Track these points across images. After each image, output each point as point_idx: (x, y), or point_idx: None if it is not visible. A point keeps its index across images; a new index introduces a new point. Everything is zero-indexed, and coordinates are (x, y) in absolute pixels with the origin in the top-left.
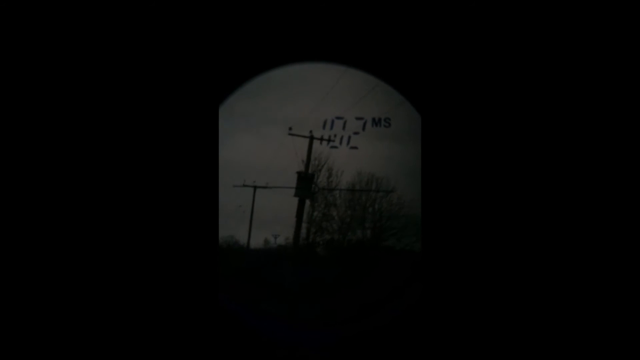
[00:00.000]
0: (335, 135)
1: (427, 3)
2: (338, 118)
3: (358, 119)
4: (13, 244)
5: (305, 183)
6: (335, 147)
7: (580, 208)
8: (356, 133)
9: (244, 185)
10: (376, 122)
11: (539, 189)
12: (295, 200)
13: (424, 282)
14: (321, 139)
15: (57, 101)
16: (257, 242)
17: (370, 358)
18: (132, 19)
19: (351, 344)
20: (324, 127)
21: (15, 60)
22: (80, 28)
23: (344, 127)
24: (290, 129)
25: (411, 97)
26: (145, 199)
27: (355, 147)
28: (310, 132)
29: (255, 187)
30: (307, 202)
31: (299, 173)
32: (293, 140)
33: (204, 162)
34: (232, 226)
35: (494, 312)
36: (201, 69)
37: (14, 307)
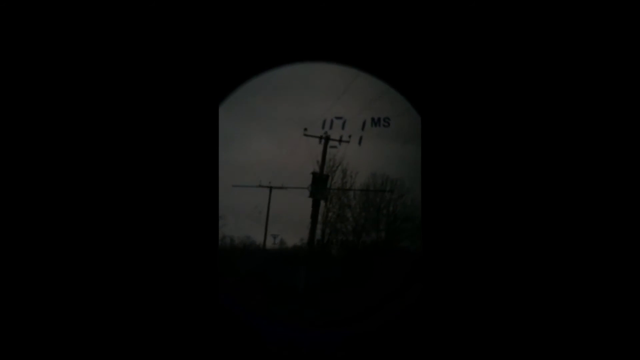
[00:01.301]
0: (350, 136)
1: (427, 4)
2: (337, 118)
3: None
4: (13, 243)
5: (320, 184)
6: (335, 147)
7: (580, 208)
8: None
9: (260, 186)
10: (375, 122)
11: (539, 190)
12: (310, 201)
13: (424, 282)
14: (339, 140)
15: (57, 100)
16: (273, 242)
17: (370, 358)
18: (132, 18)
19: (352, 344)
20: (323, 126)
21: (15, 60)
22: (80, 27)
23: (343, 127)
24: (305, 129)
25: (411, 98)
26: (146, 199)
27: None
28: (325, 132)
29: (270, 188)
30: (322, 203)
31: (314, 174)
32: (308, 141)
33: (205, 162)
34: (248, 226)
35: (494, 312)
36: (201, 68)
37: (14, 307)
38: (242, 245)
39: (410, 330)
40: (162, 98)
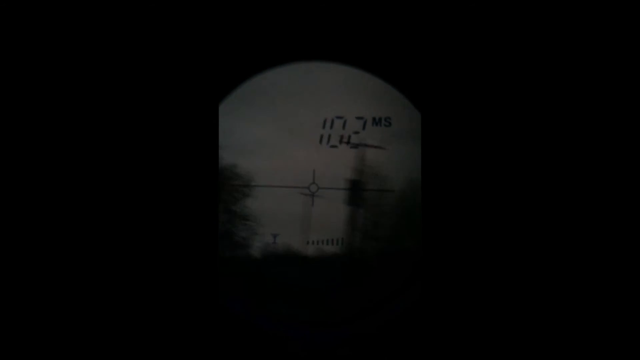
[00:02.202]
0: (362, 130)
1: (426, 2)
2: (338, 118)
3: (358, 118)
4: (12, 243)
5: (356, 191)
6: (335, 146)
7: (580, 207)
8: (356, 132)
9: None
10: (377, 121)
11: (540, 188)
12: (344, 207)
13: (424, 282)
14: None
15: (55, 100)
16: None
17: (369, 358)
18: (132, 17)
19: (352, 343)
20: (323, 126)
21: (14, 60)
22: (79, 27)
23: (344, 127)
24: (342, 137)
25: (411, 95)
26: (145, 199)
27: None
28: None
29: (313, 196)
30: (357, 209)
31: (350, 180)
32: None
33: (205, 161)
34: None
35: (495, 312)
36: (201, 66)
37: (13, 307)
38: (282, 251)
39: (411, 330)
40: (162, 98)
